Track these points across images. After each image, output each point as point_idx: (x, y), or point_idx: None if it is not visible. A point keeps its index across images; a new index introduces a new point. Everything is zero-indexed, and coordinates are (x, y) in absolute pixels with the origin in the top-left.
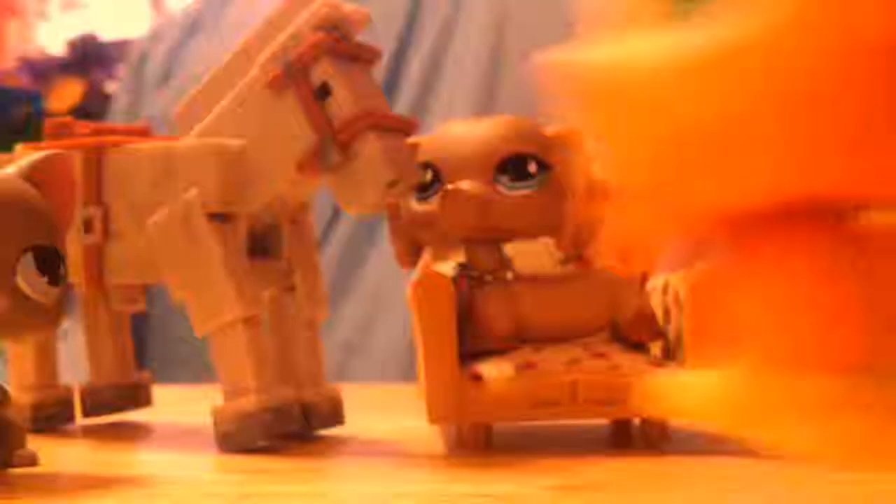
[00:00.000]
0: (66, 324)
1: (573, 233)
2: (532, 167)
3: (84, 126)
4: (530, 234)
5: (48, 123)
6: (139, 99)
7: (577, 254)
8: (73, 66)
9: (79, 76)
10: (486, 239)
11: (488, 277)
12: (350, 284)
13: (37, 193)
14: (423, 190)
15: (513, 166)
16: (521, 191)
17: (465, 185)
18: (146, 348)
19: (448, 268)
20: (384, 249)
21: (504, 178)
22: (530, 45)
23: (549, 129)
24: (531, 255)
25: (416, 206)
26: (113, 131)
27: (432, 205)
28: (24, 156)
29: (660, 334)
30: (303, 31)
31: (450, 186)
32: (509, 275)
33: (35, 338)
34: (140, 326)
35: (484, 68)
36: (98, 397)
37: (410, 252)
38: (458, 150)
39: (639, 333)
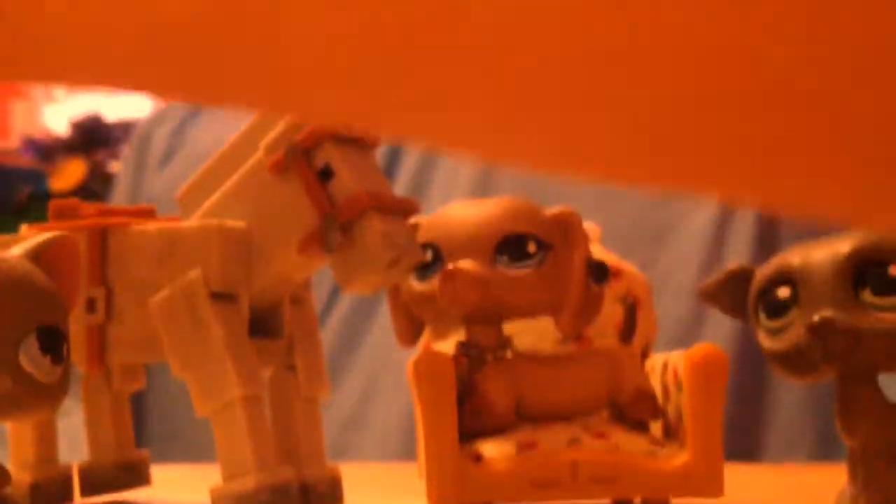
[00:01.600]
0: (66, 402)
1: (572, 312)
2: (531, 247)
3: (89, 207)
4: (530, 313)
5: (53, 205)
6: (141, 179)
7: (576, 333)
8: (76, 146)
9: (82, 156)
10: (486, 318)
11: (488, 356)
12: (349, 361)
13: (41, 274)
14: (424, 269)
15: (512, 246)
16: (521, 270)
17: (466, 264)
18: (145, 427)
19: (448, 346)
20: (384, 326)
21: (504, 258)
22: None
23: (548, 210)
24: (530, 333)
25: (416, 285)
26: (118, 212)
27: (433, 284)
28: (30, 237)
29: (660, 413)
30: None
31: (450, 266)
32: (509, 353)
33: (36, 417)
34: (139, 405)
35: None
36: (97, 476)
37: (411, 330)
38: (459, 231)
39: (639, 412)
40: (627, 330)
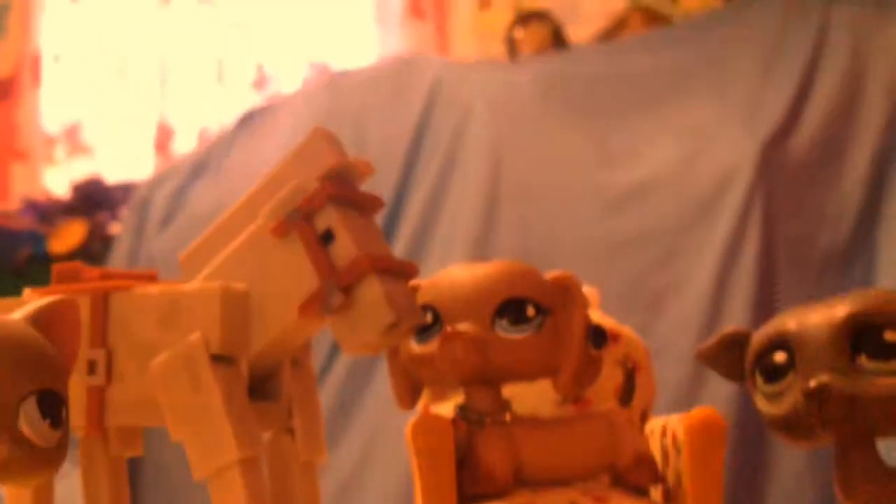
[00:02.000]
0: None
1: (571, 375)
2: (530, 311)
3: (92, 271)
4: (528, 376)
5: (56, 268)
6: (141, 241)
7: (574, 396)
8: (77, 208)
9: (82, 218)
10: (485, 381)
11: (487, 419)
12: (348, 422)
13: (42, 338)
14: (424, 332)
15: (512, 310)
16: (520, 334)
17: (465, 327)
18: (141, 493)
19: (447, 409)
20: (382, 387)
21: (503, 322)
22: (526, 190)
23: (547, 274)
24: (530, 395)
25: (415, 347)
26: (120, 276)
27: (432, 346)
28: (33, 300)
29: (659, 478)
30: (309, 180)
31: (449, 329)
32: (508, 417)
33: (35, 481)
34: (136, 470)
35: (480, 211)
36: None
37: (410, 393)
38: (458, 294)
39: (638, 477)
40: (626, 394)
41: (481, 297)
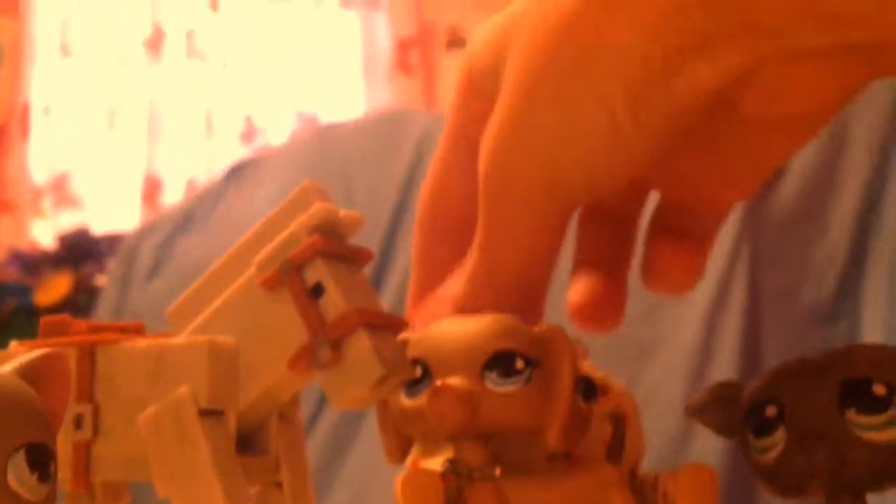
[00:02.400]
0: None
1: (560, 428)
2: (519, 364)
3: (80, 324)
4: (518, 430)
5: (44, 321)
6: (127, 293)
7: (564, 449)
8: (63, 259)
9: (69, 270)
10: (475, 435)
11: (476, 474)
12: (336, 475)
13: (31, 391)
14: (413, 385)
15: (501, 363)
16: (509, 387)
17: (454, 381)
18: None
19: (436, 464)
20: (370, 439)
21: (492, 375)
22: None
23: (536, 327)
24: (519, 448)
25: (405, 401)
26: (107, 328)
27: (421, 400)
28: (20, 353)
29: None
30: (299, 233)
31: (438, 383)
32: (497, 472)
33: None
34: None
35: None
36: None
37: (399, 447)
38: (447, 347)
39: None
40: (616, 447)
41: (470, 350)
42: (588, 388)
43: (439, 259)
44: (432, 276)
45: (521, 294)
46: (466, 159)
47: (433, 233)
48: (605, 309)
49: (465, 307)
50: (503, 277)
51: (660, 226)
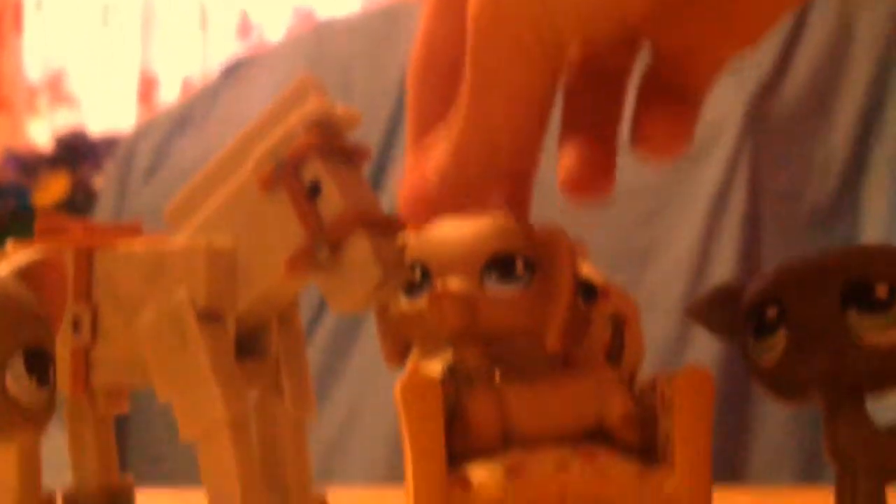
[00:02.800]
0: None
1: (560, 330)
2: (520, 266)
3: (76, 224)
4: (518, 333)
5: (40, 221)
6: (125, 193)
7: (564, 352)
8: (60, 160)
9: (66, 171)
10: (474, 339)
11: (475, 378)
12: (335, 380)
13: (29, 294)
14: (412, 288)
15: (501, 265)
16: (509, 290)
17: (454, 284)
18: (128, 450)
19: (436, 367)
20: (370, 344)
21: (492, 277)
22: None
23: (536, 228)
24: (518, 352)
25: (404, 304)
26: (104, 229)
27: (421, 303)
28: (15, 253)
29: (649, 436)
30: (295, 130)
31: (438, 286)
32: (496, 375)
33: (20, 440)
34: (122, 428)
35: None
36: (81, 502)
37: (398, 350)
38: (447, 249)
39: (627, 436)
40: (616, 350)
41: (470, 252)
42: (588, 291)
43: (434, 113)
44: (428, 130)
45: (512, 158)
46: (457, 7)
47: (425, 84)
48: (595, 174)
49: (451, 176)
50: (492, 134)
51: (649, 89)
